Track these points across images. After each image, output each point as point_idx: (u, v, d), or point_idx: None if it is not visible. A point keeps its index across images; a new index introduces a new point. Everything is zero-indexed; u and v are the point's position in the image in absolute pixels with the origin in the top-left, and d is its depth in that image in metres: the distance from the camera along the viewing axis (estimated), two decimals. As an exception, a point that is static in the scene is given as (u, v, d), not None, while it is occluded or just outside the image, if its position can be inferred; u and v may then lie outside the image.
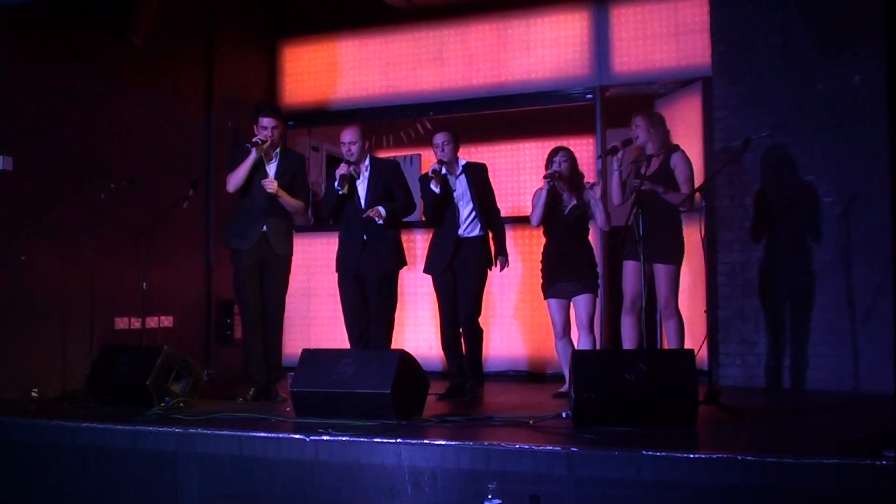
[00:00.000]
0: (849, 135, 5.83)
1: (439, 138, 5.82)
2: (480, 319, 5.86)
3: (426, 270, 5.93)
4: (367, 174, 5.79)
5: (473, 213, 5.80)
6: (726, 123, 6.48)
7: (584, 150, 7.22)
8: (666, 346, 5.60)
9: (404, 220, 6.01)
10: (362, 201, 5.74)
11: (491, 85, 7.49)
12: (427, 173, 5.77)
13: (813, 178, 6.07)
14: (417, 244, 7.17)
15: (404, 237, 6.13)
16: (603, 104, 7.08)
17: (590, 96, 7.14)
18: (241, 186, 5.59)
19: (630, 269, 5.51)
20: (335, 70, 8.05)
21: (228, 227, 5.78)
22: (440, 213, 5.80)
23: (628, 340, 5.57)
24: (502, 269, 5.92)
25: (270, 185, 5.53)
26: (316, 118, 8.22)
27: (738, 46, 6.46)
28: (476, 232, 5.81)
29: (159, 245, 6.25)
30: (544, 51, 7.32)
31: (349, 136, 5.75)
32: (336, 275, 5.89)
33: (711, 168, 6.41)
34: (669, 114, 6.88)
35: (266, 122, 5.58)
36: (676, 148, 5.51)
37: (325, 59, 8.09)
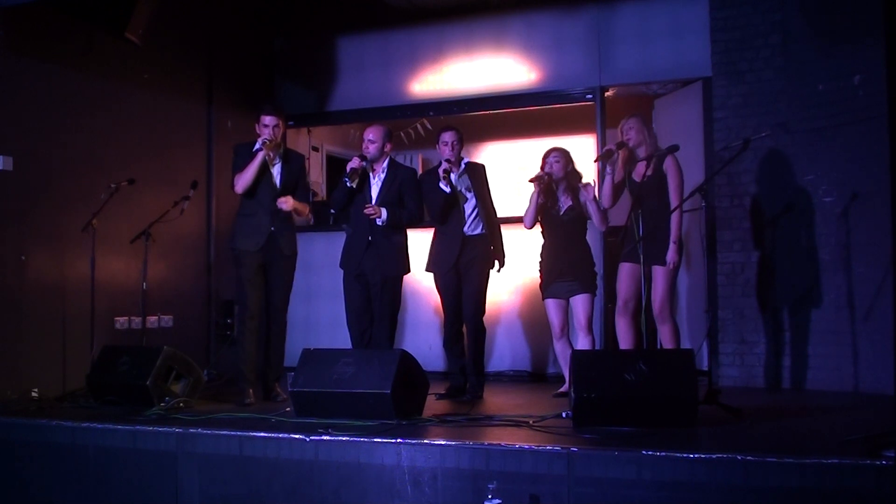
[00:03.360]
0: (849, 135, 5.83)
1: (448, 136, 5.82)
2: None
3: (429, 269, 5.93)
4: (383, 175, 5.78)
5: (476, 211, 5.82)
6: (726, 123, 6.49)
7: (584, 150, 7.21)
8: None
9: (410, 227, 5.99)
10: (373, 201, 5.73)
11: (491, 85, 7.49)
12: (435, 173, 5.78)
13: (813, 178, 6.07)
14: (418, 244, 7.16)
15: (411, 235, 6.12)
16: (603, 104, 7.07)
17: (590, 96, 7.14)
18: (248, 188, 5.59)
19: (625, 271, 5.50)
20: (335, 70, 8.05)
21: (234, 229, 5.74)
22: (448, 212, 5.81)
23: (623, 341, 5.57)
24: (500, 269, 5.90)
25: (286, 203, 5.56)
26: (316, 118, 8.22)
27: (738, 46, 6.47)
28: (479, 230, 5.82)
29: (159, 245, 6.25)
30: (544, 51, 7.31)
31: (371, 133, 5.76)
32: (340, 272, 5.89)
33: (711, 168, 6.41)
34: (669, 114, 6.90)
35: (268, 120, 5.58)
36: (668, 152, 5.50)
37: (325, 59, 8.09)
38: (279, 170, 5.66)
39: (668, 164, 5.46)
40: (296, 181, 5.71)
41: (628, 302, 5.50)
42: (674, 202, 5.37)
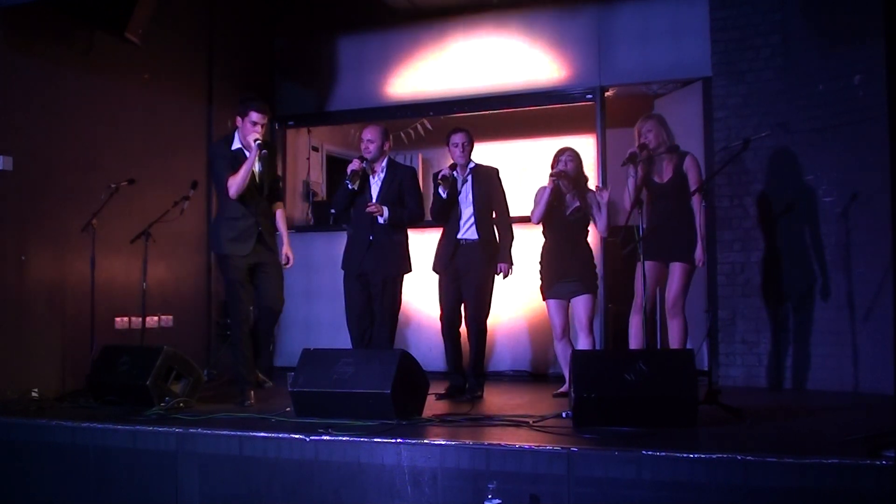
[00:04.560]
0: (849, 135, 5.83)
1: (458, 138, 5.82)
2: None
3: (433, 269, 5.95)
4: (382, 175, 5.80)
5: (472, 218, 5.80)
6: (726, 123, 6.49)
7: (584, 150, 7.19)
8: (669, 345, 5.60)
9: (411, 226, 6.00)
10: (374, 201, 5.73)
11: (491, 85, 7.48)
12: (439, 174, 5.77)
13: (813, 178, 6.08)
14: (421, 245, 7.16)
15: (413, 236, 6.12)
16: (603, 104, 7.07)
17: (590, 96, 7.13)
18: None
19: (644, 268, 5.49)
20: (335, 70, 8.05)
21: (219, 233, 5.56)
22: (444, 214, 5.83)
23: (635, 339, 5.55)
24: (505, 276, 5.84)
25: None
26: (316, 118, 8.22)
27: (738, 46, 6.47)
28: (474, 236, 5.81)
29: (159, 245, 6.24)
30: (544, 51, 7.31)
31: (369, 133, 5.78)
32: (342, 273, 5.90)
33: (711, 168, 6.41)
34: (669, 114, 6.87)
35: (258, 117, 5.45)
36: (686, 152, 5.55)
37: (325, 59, 8.09)
38: (259, 166, 5.55)
39: (689, 165, 5.50)
40: (274, 173, 5.68)
41: (646, 300, 5.48)
42: (694, 197, 5.40)
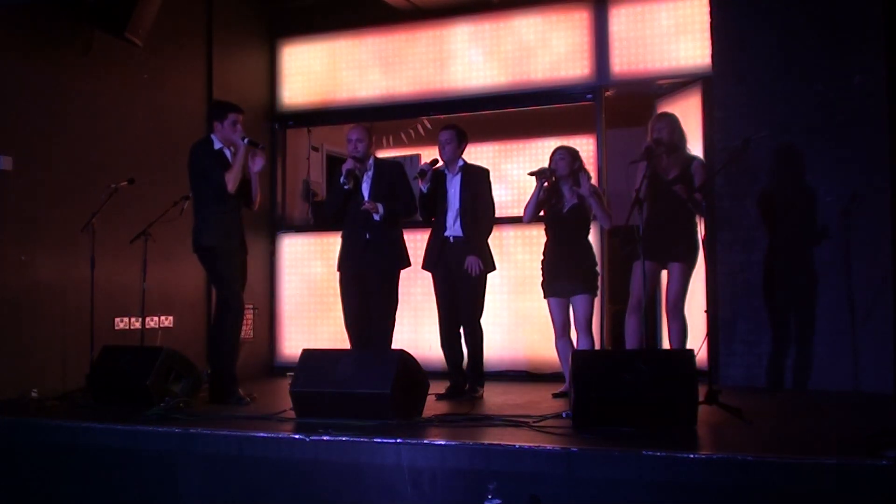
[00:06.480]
0: (849, 135, 5.84)
1: (442, 136, 5.88)
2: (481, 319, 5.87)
3: (423, 266, 5.95)
4: (370, 174, 5.83)
5: (458, 215, 5.81)
6: (726, 123, 6.47)
7: (584, 150, 7.21)
8: (669, 346, 5.59)
9: (406, 219, 6.03)
10: (367, 199, 5.75)
11: (491, 85, 7.48)
12: (420, 170, 5.85)
13: (813, 178, 6.07)
14: (418, 243, 7.17)
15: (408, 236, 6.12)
16: (603, 104, 7.07)
17: (590, 96, 7.13)
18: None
19: (639, 269, 5.49)
20: (335, 70, 8.04)
21: (215, 227, 5.59)
22: (427, 210, 5.90)
23: (631, 340, 5.55)
24: (472, 272, 5.72)
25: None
26: (316, 118, 8.22)
27: (738, 46, 6.46)
28: (460, 232, 5.81)
29: (159, 245, 6.24)
30: (544, 51, 7.31)
31: (356, 133, 5.80)
32: (338, 274, 5.90)
33: (711, 168, 6.41)
34: (669, 114, 6.88)
35: (238, 116, 5.62)
36: (696, 156, 5.56)
37: (325, 59, 8.09)
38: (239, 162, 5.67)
39: (697, 167, 5.51)
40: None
41: (642, 300, 5.48)
42: (698, 194, 5.41)
